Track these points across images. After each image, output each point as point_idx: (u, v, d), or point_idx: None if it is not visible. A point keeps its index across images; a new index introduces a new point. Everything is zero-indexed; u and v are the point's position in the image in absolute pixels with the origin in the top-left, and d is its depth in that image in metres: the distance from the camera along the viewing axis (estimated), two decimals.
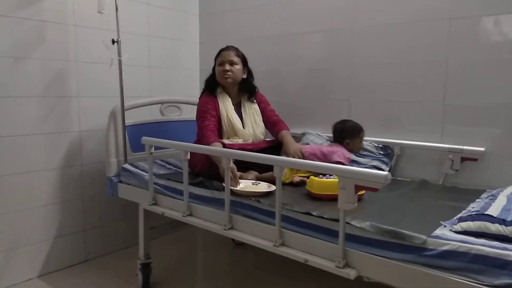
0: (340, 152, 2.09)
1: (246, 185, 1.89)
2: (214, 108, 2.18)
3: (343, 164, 2.03)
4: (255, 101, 2.32)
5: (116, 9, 2.24)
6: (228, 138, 2.19)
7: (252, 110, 2.28)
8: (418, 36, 2.16)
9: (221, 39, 2.95)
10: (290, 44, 2.68)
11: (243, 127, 2.22)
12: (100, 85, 2.55)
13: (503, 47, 1.93)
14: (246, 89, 2.30)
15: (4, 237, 2.23)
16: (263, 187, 1.86)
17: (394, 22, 2.24)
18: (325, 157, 2.08)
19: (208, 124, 2.13)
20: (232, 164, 1.81)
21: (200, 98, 2.26)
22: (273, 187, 1.80)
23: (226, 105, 2.21)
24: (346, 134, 2.15)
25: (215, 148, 1.93)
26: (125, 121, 2.36)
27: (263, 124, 2.30)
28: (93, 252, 2.63)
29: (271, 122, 2.31)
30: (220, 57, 2.23)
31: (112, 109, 2.36)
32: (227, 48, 2.25)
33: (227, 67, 2.19)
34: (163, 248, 2.75)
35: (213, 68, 2.28)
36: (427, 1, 2.12)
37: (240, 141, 2.18)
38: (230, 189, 1.74)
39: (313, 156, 2.09)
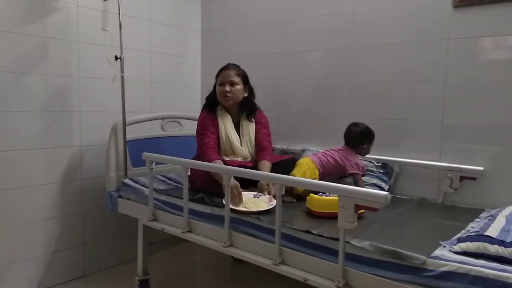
0: (353, 162, 2.08)
1: (247, 197, 1.89)
2: (213, 125, 2.19)
3: (358, 175, 2.07)
4: (253, 120, 2.30)
5: (120, 27, 2.28)
6: (226, 156, 2.21)
7: (249, 130, 2.26)
8: (417, 56, 2.19)
9: (222, 55, 2.98)
10: (291, 62, 2.71)
11: (241, 145, 2.23)
12: (101, 100, 2.57)
13: (500, 67, 1.96)
14: (246, 108, 2.29)
15: (3, 251, 2.22)
16: (264, 200, 1.87)
17: (393, 42, 2.27)
18: (341, 167, 2.09)
19: (208, 141, 2.14)
20: (235, 181, 1.82)
21: (200, 114, 2.27)
22: (274, 201, 1.80)
23: (225, 123, 2.22)
24: (365, 138, 2.11)
25: (215, 165, 1.94)
26: (126, 136, 2.37)
27: None
28: (91, 267, 2.61)
29: (258, 146, 2.25)
30: (221, 77, 2.22)
31: (114, 124, 2.37)
32: (228, 67, 2.24)
33: (228, 88, 2.18)
34: (161, 264, 2.74)
35: (214, 86, 2.28)
36: (426, 21, 2.16)
37: (239, 159, 2.19)
38: (230, 207, 1.75)
39: (331, 168, 2.09)
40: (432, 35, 2.14)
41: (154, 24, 2.88)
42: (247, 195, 1.91)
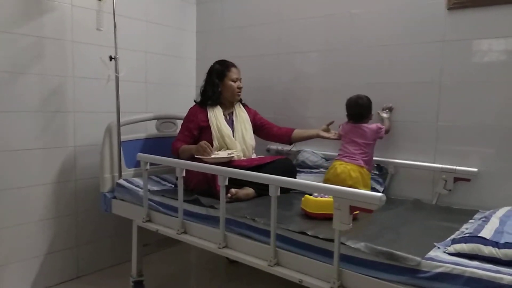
0: (375, 127, 2.16)
1: (220, 155, 2.14)
2: (199, 120, 2.30)
3: (385, 130, 2.18)
4: (243, 107, 2.46)
5: (115, 27, 2.26)
6: (219, 150, 2.25)
7: (244, 119, 2.40)
8: (412, 58, 2.20)
9: (218, 56, 2.96)
10: (287, 63, 2.71)
11: (233, 134, 2.31)
12: (96, 100, 2.55)
13: (494, 69, 1.98)
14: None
15: None
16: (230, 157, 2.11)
17: (389, 44, 2.28)
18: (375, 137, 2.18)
19: (180, 137, 2.33)
20: (205, 143, 2.12)
21: (189, 109, 2.40)
22: (233, 155, 2.12)
23: (216, 114, 2.32)
24: (371, 105, 2.20)
25: (211, 166, 1.93)
26: (121, 137, 2.36)
27: (252, 132, 2.41)
28: (85, 268, 2.59)
29: (277, 129, 2.48)
30: (233, 73, 2.37)
31: (108, 124, 2.36)
32: (233, 64, 2.40)
33: (241, 84, 2.38)
34: (156, 265, 2.73)
35: (210, 81, 2.37)
36: (421, 24, 2.16)
37: (229, 151, 2.23)
38: (200, 158, 2.05)
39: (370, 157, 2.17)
40: (427, 37, 2.15)
41: (149, 24, 2.87)
42: (221, 153, 2.17)
